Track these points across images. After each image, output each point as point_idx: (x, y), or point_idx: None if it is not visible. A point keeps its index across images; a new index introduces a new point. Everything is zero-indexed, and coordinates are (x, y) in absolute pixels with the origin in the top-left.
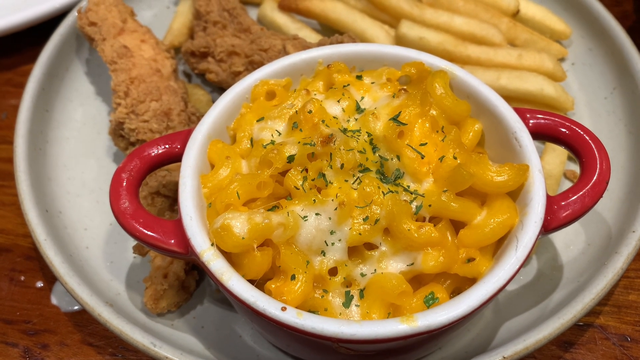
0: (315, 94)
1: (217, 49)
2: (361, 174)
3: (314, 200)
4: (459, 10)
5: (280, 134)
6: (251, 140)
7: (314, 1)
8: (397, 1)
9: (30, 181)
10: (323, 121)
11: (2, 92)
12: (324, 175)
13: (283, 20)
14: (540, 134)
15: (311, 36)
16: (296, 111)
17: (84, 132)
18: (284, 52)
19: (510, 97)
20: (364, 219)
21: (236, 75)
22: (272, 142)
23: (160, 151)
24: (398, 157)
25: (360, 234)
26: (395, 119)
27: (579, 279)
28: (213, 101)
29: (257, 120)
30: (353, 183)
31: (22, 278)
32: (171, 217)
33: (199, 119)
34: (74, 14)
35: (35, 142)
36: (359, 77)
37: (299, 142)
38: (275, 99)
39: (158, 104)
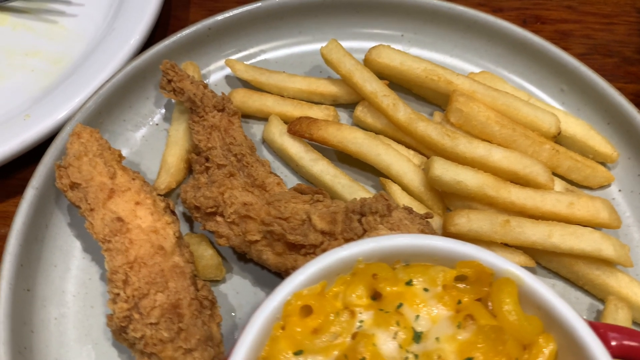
0: (360, 313)
1: (227, 209)
2: None
3: None
4: (495, 136)
5: None
6: None
7: (330, 129)
8: (425, 129)
9: None
10: None
11: None
12: None
13: (295, 149)
14: (623, 358)
15: (329, 171)
16: (345, 355)
17: (76, 307)
18: (309, 223)
19: (561, 254)
20: None
21: (252, 244)
22: None
23: None
24: None
25: None
26: None
27: None
28: (223, 264)
29: (295, 353)
30: None
31: None
32: None
33: (212, 303)
34: (49, 158)
35: (17, 342)
36: (409, 283)
37: None
38: (311, 316)
39: (164, 295)
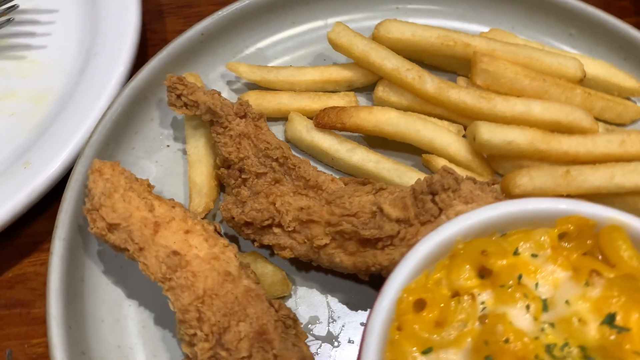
0: (480, 295)
1: (284, 218)
2: None
3: None
4: (526, 90)
5: None
6: None
7: (362, 114)
8: (458, 95)
9: None
10: (537, 356)
11: None
12: None
13: (328, 142)
14: None
15: (370, 158)
16: (485, 341)
17: None
18: (380, 214)
19: (626, 194)
20: None
21: (320, 249)
22: None
23: None
24: None
25: None
26: (611, 323)
27: None
28: (287, 278)
29: (423, 352)
30: None
31: None
32: None
33: (294, 321)
34: (69, 204)
35: None
36: (516, 253)
37: None
38: (426, 309)
39: (247, 324)
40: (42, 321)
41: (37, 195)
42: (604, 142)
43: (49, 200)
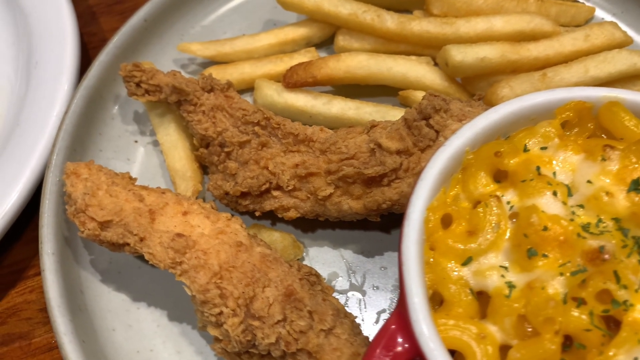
0: (503, 196)
1: (282, 178)
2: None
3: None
4: (482, 9)
5: (507, 269)
6: (471, 291)
7: (331, 64)
8: (421, 26)
9: None
10: (579, 234)
11: None
12: (615, 302)
13: (302, 100)
14: None
15: (349, 106)
16: (525, 235)
17: None
18: (379, 150)
19: (602, 84)
20: None
21: (326, 200)
22: (511, 285)
23: None
24: None
25: None
26: (637, 188)
27: None
28: (297, 240)
29: (464, 264)
30: None
31: None
32: None
33: (317, 277)
34: (49, 215)
35: None
36: (525, 150)
37: (561, 274)
38: (454, 224)
39: (272, 288)
40: (47, 349)
41: (11, 216)
42: (570, 41)
43: (22, 225)
